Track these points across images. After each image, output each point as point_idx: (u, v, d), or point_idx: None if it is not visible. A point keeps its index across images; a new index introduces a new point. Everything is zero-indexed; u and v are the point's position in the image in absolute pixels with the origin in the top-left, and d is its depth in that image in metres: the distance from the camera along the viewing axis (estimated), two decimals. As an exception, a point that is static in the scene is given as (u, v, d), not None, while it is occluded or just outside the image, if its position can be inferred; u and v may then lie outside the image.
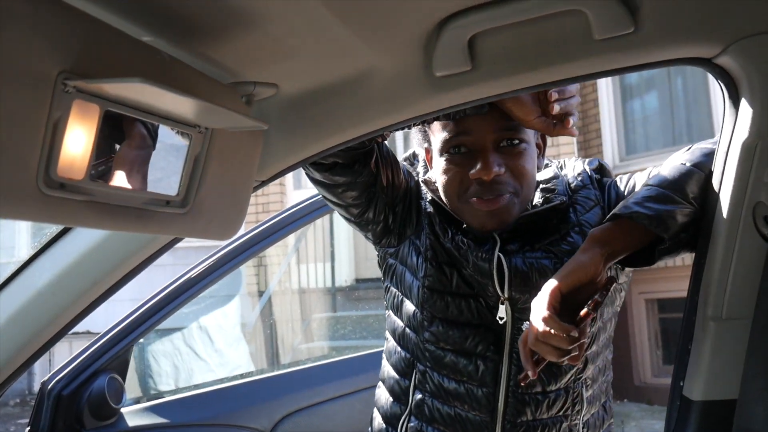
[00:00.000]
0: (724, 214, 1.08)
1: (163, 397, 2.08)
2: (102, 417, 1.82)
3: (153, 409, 1.98)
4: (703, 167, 1.21)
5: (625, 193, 1.44)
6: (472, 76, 1.05)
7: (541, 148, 1.48)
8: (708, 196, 1.16)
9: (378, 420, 1.59)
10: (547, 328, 1.13)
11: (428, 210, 1.48)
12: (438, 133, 1.40)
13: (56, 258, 1.45)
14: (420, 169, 1.58)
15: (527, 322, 1.20)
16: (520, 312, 1.40)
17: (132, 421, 1.91)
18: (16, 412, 8.09)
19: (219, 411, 2.08)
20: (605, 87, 8.04)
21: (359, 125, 1.16)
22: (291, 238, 7.38)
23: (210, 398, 2.13)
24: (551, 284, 1.18)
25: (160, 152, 0.98)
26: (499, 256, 1.39)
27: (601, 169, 1.52)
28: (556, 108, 1.23)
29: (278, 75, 1.08)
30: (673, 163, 1.28)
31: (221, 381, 2.29)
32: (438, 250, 1.45)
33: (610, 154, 7.97)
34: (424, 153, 1.55)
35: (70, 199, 0.83)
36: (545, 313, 1.14)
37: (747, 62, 0.99)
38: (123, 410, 1.90)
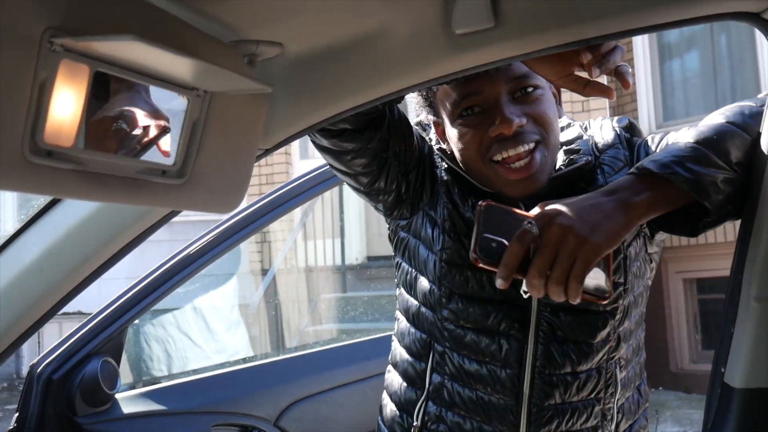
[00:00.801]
0: (772, 183, 1.07)
1: (160, 383, 2.10)
2: (95, 403, 1.84)
3: (150, 395, 2.00)
4: (748, 129, 1.18)
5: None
6: (495, 33, 1.03)
7: (557, 96, 1.47)
8: (755, 162, 1.14)
9: (390, 407, 1.60)
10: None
11: (444, 178, 1.48)
12: (446, 101, 1.40)
13: (44, 232, 1.46)
14: (432, 135, 1.57)
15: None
16: None
17: (127, 408, 1.92)
18: (3, 398, 8.22)
19: (221, 397, 2.10)
20: (641, 46, 7.97)
21: (371, 88, 1.15)
22: (297, 212, 7.40)
23: (211, 384, 2.14)
24: (604, 244, 1.13)
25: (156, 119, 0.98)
26: None
27: (631, 128, 1.51)
28: (596, 72, 1.19)
29: (283, 33, 1.07)
30: (712, 121, 1.23)
31: (222, 366, 2.31)
32: (456, 221, 1.45)
33: (645, 120, 7.91)
34: (433, 127, 1.55)
35: (58, 168, 0.83)
36: (577, 286, 1.10)
37: None
38: (117, 396, 1.92)
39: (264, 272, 7.74)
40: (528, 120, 1.35)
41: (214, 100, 1.02)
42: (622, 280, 1.40)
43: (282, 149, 1.26)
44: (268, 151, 1.26)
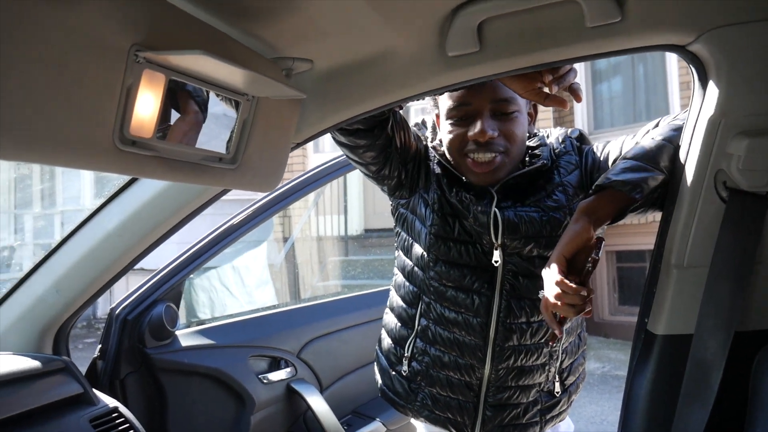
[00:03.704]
0: (690, 179, 1.07)
1: (209, 323, 2.09)
2: (160, 338, 1.83)
3: (202, 333, 1.99)
4: (672, 140, 1.20)
5: (601, 158, 1.42)
6: (479, 56, 1.02)
7: (533, 117, 1.47)
8: (676, 164, 1.14)
9: (387, 341, 1.60)
10: (560, 291, 1.12)
11: (436, 171, 1.47)
12: (445, 102, 1.40)
13: (123, 205, 1.45)
14: (428, 134, 1.56)
15: (542, 291, 1.18)
16: (509, 256, 1.40)
17: (184, 342, 1.91)
18: (83, 333, 8.20)
19: (256, 335, 2.09)
20: (578, 71, 7.93)
21: (381, 97, 1.14)
22: (311, 194, 7.36)
23: (249, 325, 2.13)
24: (556, 254, 1.17)
25: (213, 118, 0.96)
26: (495, 210, 1.38)
27: (581, 138, 1.51)
28: (555, 88, 1.21)
29: (314, 52, 1.05)
30: (646, 138, 1.26)
31: (256, 311, 2.30)
32: (444, 204, 1.44)
33: (580, 128, 7.89)
34: (434, 117, 1.54)
35: (140, 154, 0.82)
36: (558, 278, 1.13)
37: (716, 50, 0.96)
38: (177, 333, 1.90)
39: (285, 240, 7.72)
40: (499, 134, 1.36)
41: (260, 103, 1.01)
42: None
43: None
44: (298, 145, 1.24)
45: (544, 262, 1.34)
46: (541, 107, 1.42)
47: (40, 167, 9.21)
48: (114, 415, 1.43)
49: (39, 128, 0.68)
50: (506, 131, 1.36)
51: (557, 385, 1.51)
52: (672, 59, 7.15)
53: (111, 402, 1.47)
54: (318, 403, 2.07)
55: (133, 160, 0.81)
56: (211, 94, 0.93)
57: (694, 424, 1.04)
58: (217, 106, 0.96)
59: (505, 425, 1.47)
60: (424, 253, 1.46)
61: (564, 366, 1.52)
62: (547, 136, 1.51)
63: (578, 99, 1.24)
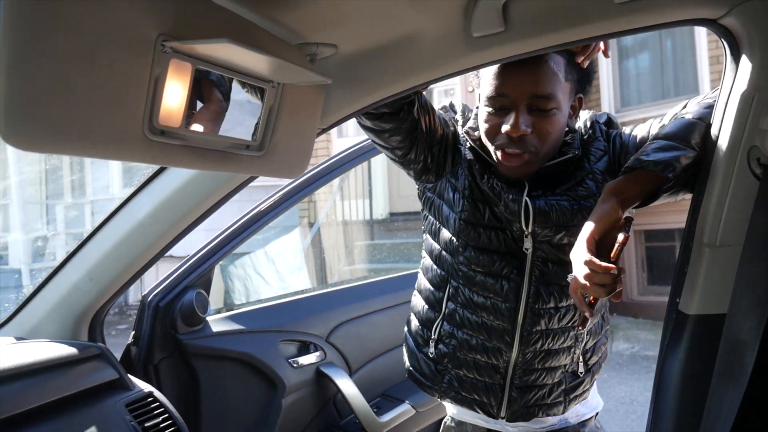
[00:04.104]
0: (722, 156, 1.05)
1: (239, 309, 2.12)
2: (191, 324, 1.86)
3: (232, 318, 2.01)
4: (704, 118, 1.18)
5: (629, 143, 1.41)
6: (504, 36, 1.01)
7: (576, 110, 1.42)
8: (708, 141, 1.12)
9: (415, 323, 1.61)
10: (589, 270, 1.09)
11: (468, 157, 1.46)
12: (484, 87, 1.36)
13: (153, 194, 1.47)
14: (459, 118, 1.54)
15: (571, 275, 1.15)
16: (540, 243, 1.40)
17: (215, 327, 1.94)
18: (115, 320, 8.36)
19: (285, 320, 2.11)
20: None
21: (406, 80, 1.13)
22: (336, 179, 7.38)
23: (278, 309, 2.15)
24: (584, 234, 1.14)
25: (239, 105, 0.97)
26: (525, 199, 1.37)
27: (609, 122, 1.49)
28: (586, 63, 1.24)
29: (337, 37, 1.05)
30: (676, 118, 1.25)
31: (285, 296, 2.32)
32: (474, 190, 1.43)
33: (606, 107, 7.78)
34: (477, 96, 1.51)
35: (169, 144, 0.83)
36: (587, 257, 1.10)
37: (748, 23, 0.94)
38: (208, 318, 1.93)
39: (311, 225, 7.77)
40: (533, 131, 1.31)
41: (285, 90, 1.01)
42: None
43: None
44: (324, 130, 1.24)
45: None
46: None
47: (69, 158, 9.37)
48: (149, 399, 1.47)
49: (71, 121, 0.69)
50: (541, 129, 1.32)
51: (581, 365, 1.52)
52: (701, 32, 6.98)
53: (146, 387, 1.50)
54: (347, 386, 2.09)
55: (163, 150, 0.82)
56: (236, 82, 0.94)
57: (728, 404, 1.03)
58: (242, 93, 0.97)
59: (530, 405, 1.49)
60: (453, 238, 1.46)
61: (588, 346, 1.53)
62: (575, 118, 1.49)
63: (606, 54, 1.30)
